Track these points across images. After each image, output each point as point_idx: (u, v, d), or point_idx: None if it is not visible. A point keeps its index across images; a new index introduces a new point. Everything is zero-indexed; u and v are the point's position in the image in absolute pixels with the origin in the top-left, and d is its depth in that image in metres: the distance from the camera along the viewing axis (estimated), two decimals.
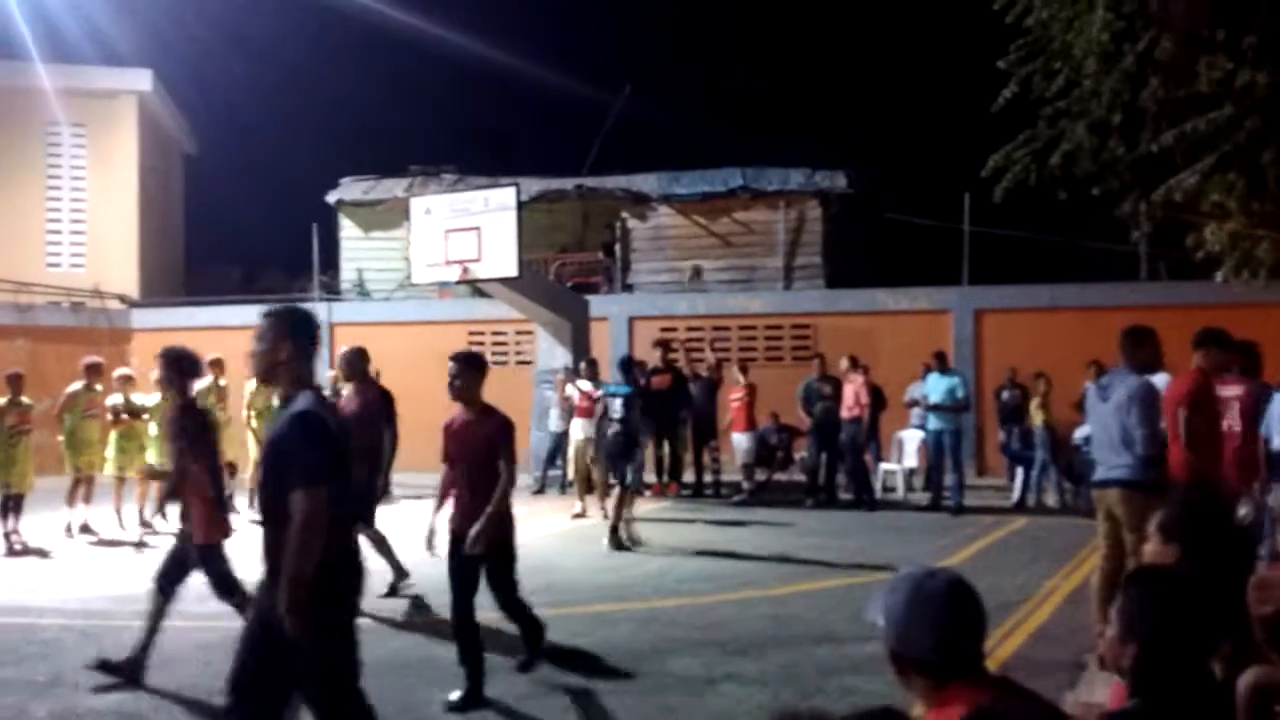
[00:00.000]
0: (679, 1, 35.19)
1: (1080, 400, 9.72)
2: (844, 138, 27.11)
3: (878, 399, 14.09)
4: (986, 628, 2.36)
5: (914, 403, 14.35)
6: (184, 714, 5.53)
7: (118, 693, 5.84)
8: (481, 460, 5.70)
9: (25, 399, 11.17)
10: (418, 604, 8.01)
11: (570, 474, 13.68)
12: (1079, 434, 12.05)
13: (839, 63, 31.49)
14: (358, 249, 21.55)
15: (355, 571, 3.79)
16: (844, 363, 13.91)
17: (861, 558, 9.92)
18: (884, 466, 14.95)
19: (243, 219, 28.70)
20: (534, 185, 19.98)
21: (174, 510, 6.33)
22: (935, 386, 13.14)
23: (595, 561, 9.88)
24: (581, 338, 15.80)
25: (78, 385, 11.60)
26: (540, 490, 15.31)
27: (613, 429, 11.02)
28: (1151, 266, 17.76)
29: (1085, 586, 7.64)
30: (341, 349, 8.72)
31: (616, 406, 11.03)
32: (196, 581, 7.21)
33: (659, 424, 15.10)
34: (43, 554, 10.51)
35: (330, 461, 3.62)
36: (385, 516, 8.89)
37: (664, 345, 16.26)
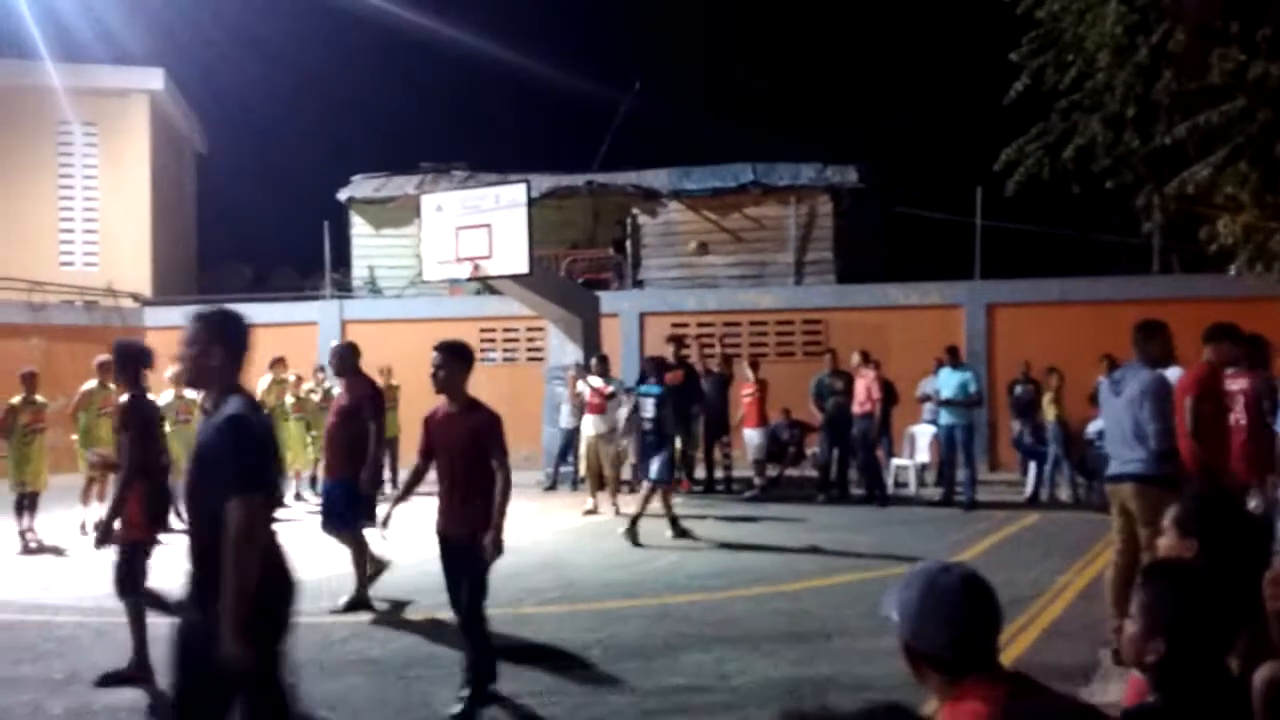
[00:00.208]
0: None
1: (1093, 394, 9.69)
2: (855, 132, 27.05)
3: (889, 394, 14.07)
4: (1001, 623, 2.36)
5: (926, 398, 14.33)
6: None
7: (133, 689, 5.87)
8: (464, 456, 5.42)
9: (39, 397, 11.23)
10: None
11: (582, 470, 13.68)
12: (1092, 428, 12.02)
13: (849, 57, 31.41)
14: (369, 246, 21.60)
15: (287, 581, 3.65)
16: (855, 358, 13.89)
17: (874, 553, 9.90)
18: (896, 462, 14.93)
19: (254, 217, 28.76)
20: (544, 182, 19.99)
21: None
22: (947, 381, 13.11)
23: (607, 558, 9.89)
24: (592, 334, 15.81)
25: (92, 383, 11.64)
26: (552, 487, 15.33)
27: (646, 428, 11.10)
28: (1164, 260, 17.69)
29: (1098, 582, 7.61)
30: (332, 344, 8.67)
31: (649, 406, 11.10)
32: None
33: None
34: (58, 552, 10.56)
35: (265, 467, 3.54)
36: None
37: (676, 341, 16.26)
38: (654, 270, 20.03)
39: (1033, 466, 13.89)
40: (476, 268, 14.33)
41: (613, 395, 13.36)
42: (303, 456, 14.39)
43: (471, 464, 5.38)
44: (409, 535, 11.39)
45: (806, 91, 33.14)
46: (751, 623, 7.24)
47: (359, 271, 21.56)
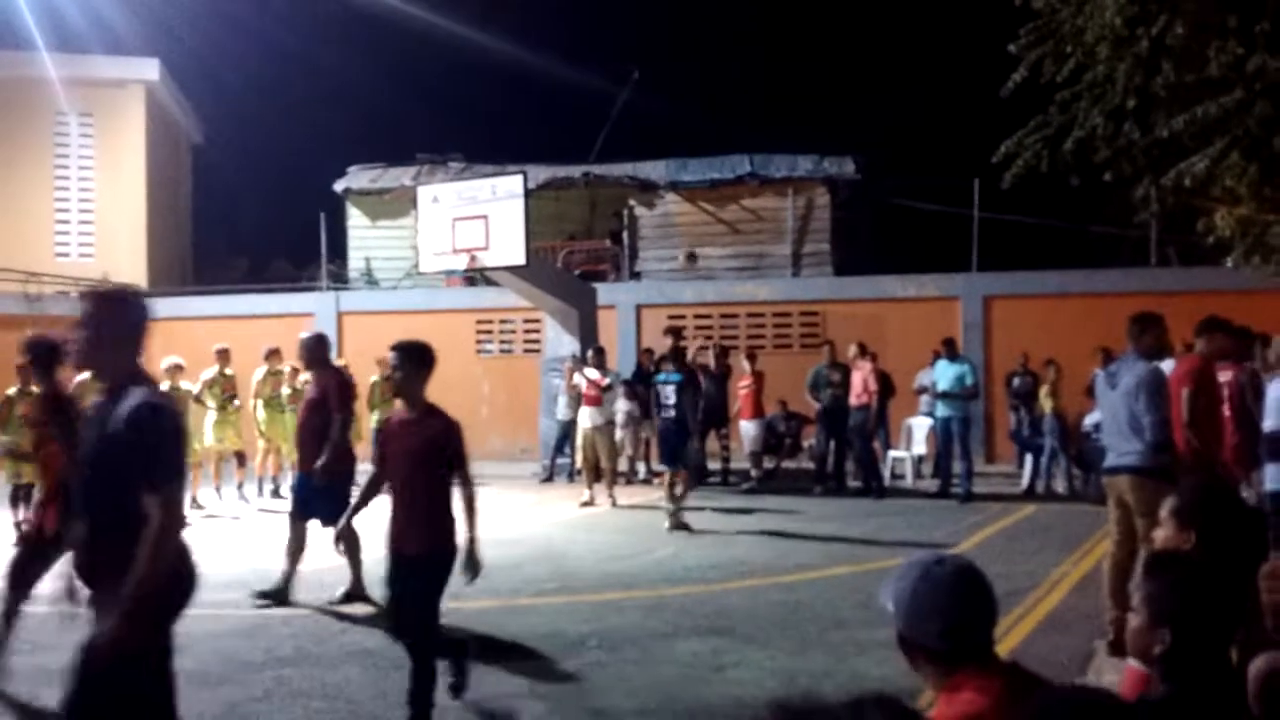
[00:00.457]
0: None
1: (1089, 387, 9.71)
2: (852, 124, 27.08)
3: (886, 386, 14.07)
4: (996, 615, 2.36)
5: (922, 390, 14.33)
6: (195, 699, 5.53)
7: None
8: (419, 466, 4.96)
9: (35, 388, 11.19)
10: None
11: (578, 462, 13.69)
12: (1088, 420, 12.03)
13: (847, 48, 31.38)
14: (365, 238, 21.58)
15: (189, 574, 3.45)
16: (852, 350, 13.90)
17: (870, 545, 9.92)
18: (892, 454, 14.94)
19: (250, 208, 28.77)
20: (541, 173, 19.97)
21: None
22: (944, 373, 13.11)
23: (603, 549, 9.90)
24: (589, 326, 15.80)
25: (85, 374, 11.60)
26: (549, 478, 15.34)
27: (665, 415, 11.30)
28: (1161, 252, 17.70)
29: (1094, 573, 7.64)
30: (301, 335, 8.46)
31: (669, 394, 11.26)
32: (206, 571, 7.24)
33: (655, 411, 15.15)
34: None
35: (182, 458, 3.38)
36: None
37: (674, 333, 16.25)
38: (651, 262, 20.02)
39: (1029, 459, 13.91)
40: (473, 259, 14.31)
41: (609, 387, 13.36)
42: None
43: (428, 474, 4.95)
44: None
45: (803, 83, 33.12)
46: (747, 614, 7.24)
47: (355, 263, 21.54)
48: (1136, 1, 14.53)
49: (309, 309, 19.58)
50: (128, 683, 3.19)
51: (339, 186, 21.58)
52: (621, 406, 14.56)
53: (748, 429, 14.50)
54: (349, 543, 7.75)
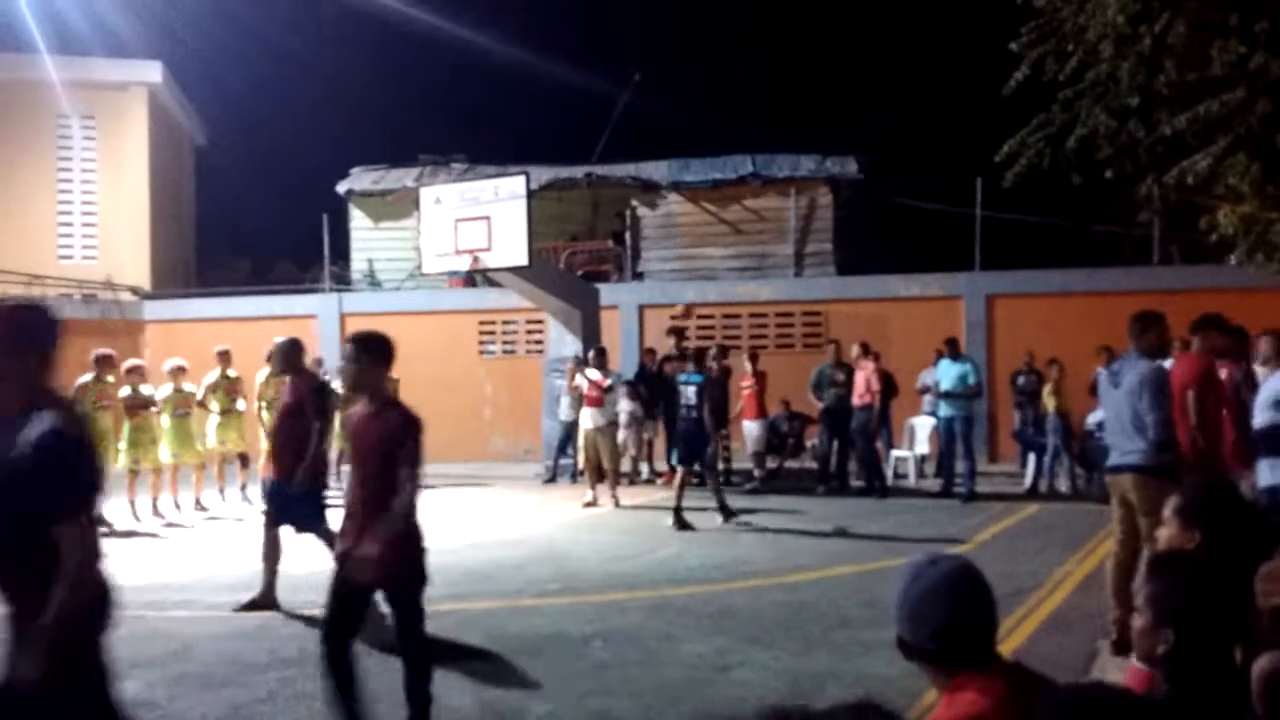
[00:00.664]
0: None
1: (1092, 386, 9.70)
2: (854, 123, 27.02)
3: (889, 386, 14.06)
4: (995, 615, 2.35)
5: (925, 389, 14.33)
6: (198, 701, 5.55)
7: (134, 682, 5.87)
8: (375, 464, 4.66)
9: None
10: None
11: (581, 463, 13.68)
12: (1091, 419, 12.02)
13: (849, 48, 31.35)
14: (368, 239, 21.59)
15: (108, 608, 3.34)
16: (855, 349, 13.89)
17: (873, 545, 9.91)
18: (895, 453, 14.94)
19: (253, 210, 28.74)
20: (544, 174, 19.97)
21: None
22: (946, 373, 13.10)
23: (606, 550, 9.89)
24: (592, 326, 15.80)
25: (87, 377, 11.64)
26: (552, 479, 15.35)
27: (686, 415, 11.45)
28: (1164, 251, 17.68)
29: (1098, 573, 7.63)
30: (275, 339, 8.31)
31: (690, 394, 11.41)
32: (210, 573, 7.27)
33: (673, 412, 15.12)
34: None
35: (98, 486, 3.23)
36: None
37: (677, 333, 16.25)
38: (653, 262, 20.02)
39: (1032, 458, 13.89)
40: (476, 260, 14.32)
41: (610, 389, 13.35)
42: None
43: (383, 474, 4.61)
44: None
45: (806, 83, 33.08)
46: (751, 614, 7.24)
47: (358, 264, 21.54)
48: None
49: (312, 311, 19.60)
50: (56, 714, 3.09)
51: (342, 188, 21.59)
52: (624, 407, 14.56)
53: (750, 429, 14.50)
54: (270, 549, 7.55)
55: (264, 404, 13.60)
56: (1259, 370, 6.95)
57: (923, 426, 14.96)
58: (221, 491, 13.21)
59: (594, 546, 10.08)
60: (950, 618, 2.27)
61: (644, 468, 15.49)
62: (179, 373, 12.61)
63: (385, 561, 4.52)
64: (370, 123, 32.78)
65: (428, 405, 17.93)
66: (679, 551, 9.73)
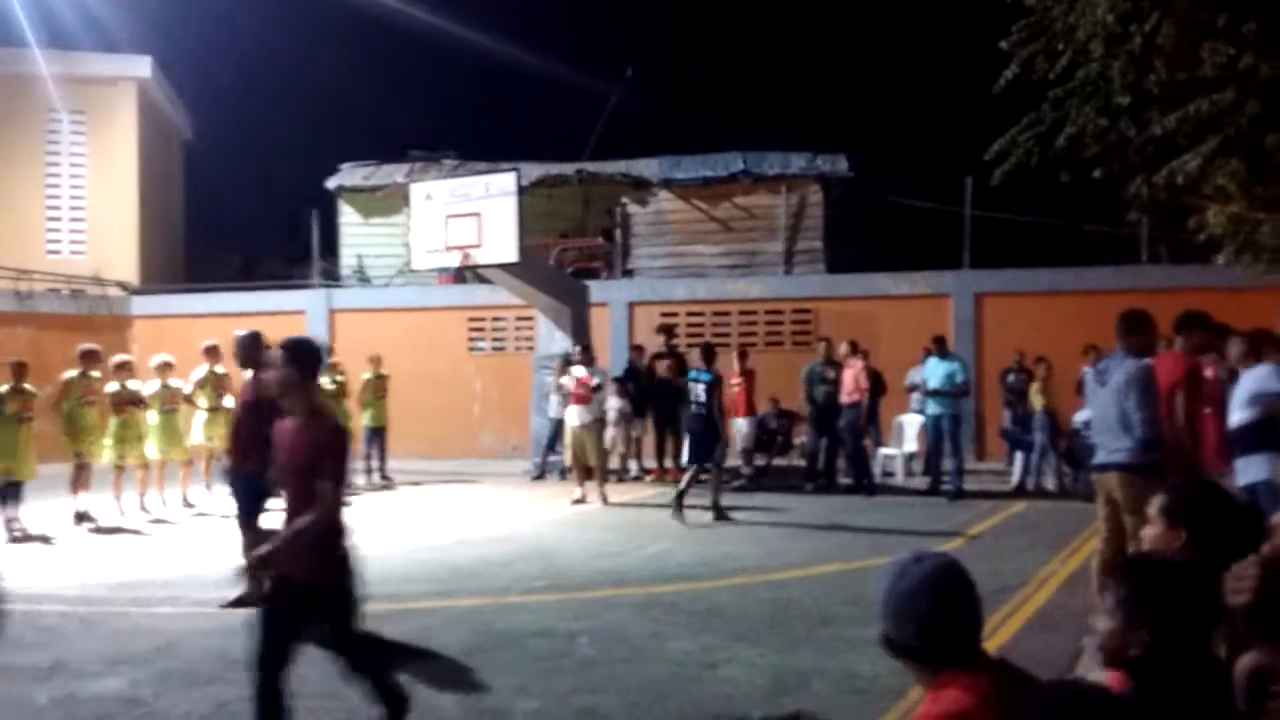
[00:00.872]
0: None
1: (1079, 384, 9.73)
2: (845, 121, 27.05)
3: (877, 384, 14.08)
4: (979, 612, 2.36)
5: (914, 387, 14.35)
6: (184, 698, 5.53)
7: (119, 679, 5.86)
8: (300, 477, 4.41)
9: (28, 386, 11.18)
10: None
11: (568, 460, 13.66)
12: (1078, 418, 12.05)
13: (840, 46, 31.39)
14: (358, 235, 21.54)
15: None
16: (843, 347, 13.90)
17: (860, 543, 9.93)
18: (883, 451, 14.95)
19: (242, 206, 28.70)
20: (534, 170, 19.95)
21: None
22: (934, 371, 13.12)
23: (594, 547, 9.89)
24: (582, 323, 15.79)
25: (73, 372, 11.59)
26: (540, 476, 15.34)
27: (694, 411, 11.64)
28: (1152, 250, 17.74)
29: (1083, 571, 7.66)
30: (235, 333, 8.07)
31: (700, 391, 11.58)
32: (196, 570, 7.25)
33: (662, 409, 15.13)
34: (45, 541, 10.52)
35: None
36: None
37: (666, 331, 16.25)
38: (643, 259, 20.01)
39: (1019, 456, 13.93)
40: (466, 256, 14.29)
41: (599, 388, 13.32)
42: None
43: (306, 486, 4.38)
44: (397, 524, 11.41)
45: (797, 81, 33.12)
46: (738, 612, 7.24)
47: (347, 260, 21.49)
48: None
49: (301, 306, 19.55)
50: None
51: (331, 183, 21.53)
52: (613, 404, 14.54)
53: (739, 426, 14.50)
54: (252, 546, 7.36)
55: None
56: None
57: (911, 424, 14.99)
58: (208, 487, 13.16)
59: (582, 543, 10.08)
60: (935, 615, 2.27)
61: (633, 465, 15.48)
62: (166, 368, 12.56)
63: (282, 561, 4.29)
64: (360, 118, 32.76)
65: (417, 401, 18.05)
66: (667, 549, 9.73)
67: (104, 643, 6.57)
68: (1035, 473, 13.69)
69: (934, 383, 13.05)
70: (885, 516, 11.54)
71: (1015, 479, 13.80)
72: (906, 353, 15.15)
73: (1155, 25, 14.32)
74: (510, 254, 13.97)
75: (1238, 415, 6.60)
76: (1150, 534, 2.96)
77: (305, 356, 4.57)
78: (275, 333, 16.99)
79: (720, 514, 11.36)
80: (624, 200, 20.24)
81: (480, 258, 14.26)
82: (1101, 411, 6.44)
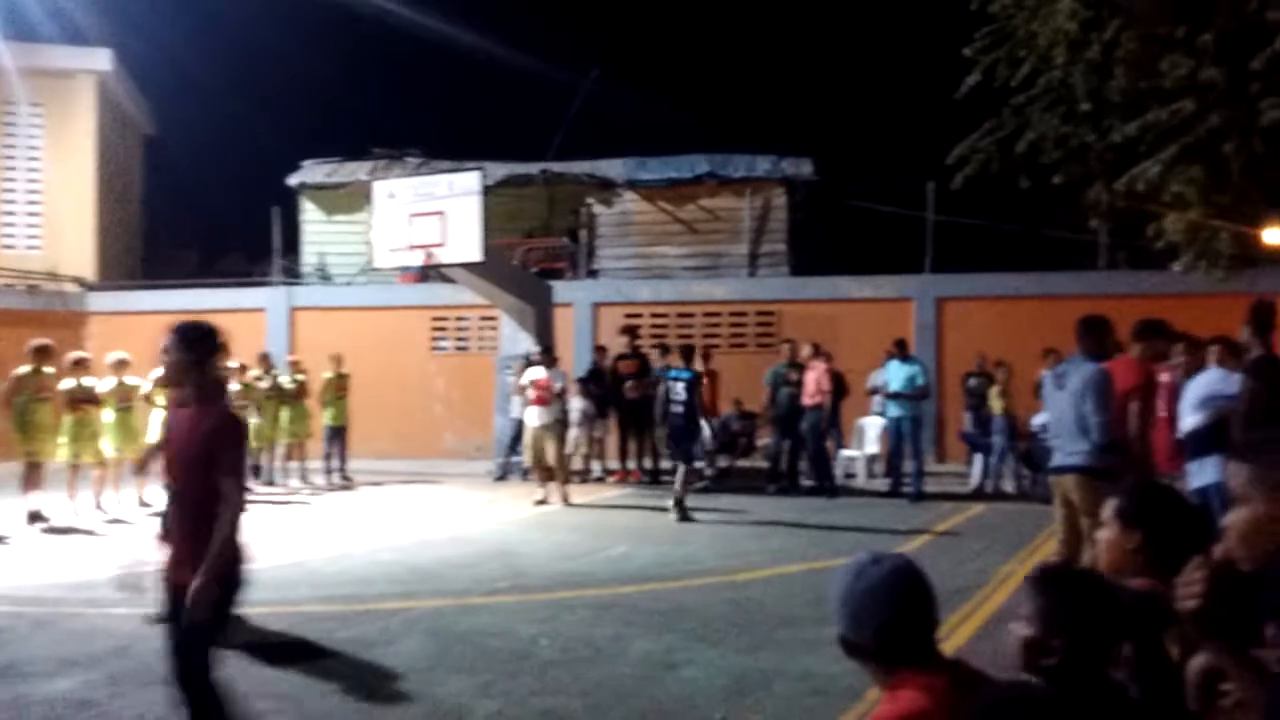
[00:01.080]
0: None
1: (1037, 387, 9.83)
2: (809, 125, 27.17)
3: (839, 386, 14.15)
4: (935, 613, 2.38)
5: (875, 390, 14.44)
6: (138, 699, 5.46)
7: (72, 680, 5.77)
8: (190, 472, 4.07)
9: None
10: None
11: (528, 461, 13.59)
12: (1036, 421, 12.18)
13: (806, 50, 31.54)
14: (319, 233, 21.35)
15: None
16: (806, 350, 13.97)
17: (821, 544, 9.98)
18: (845, 453, 15.03)
19: (203, 202, 28.34)
20: (499, 170, 19.88)
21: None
22: (895, 374, 13.22)
23: (556, 548, 9.87)
24: (546, 323, 15.75)
25: (25, 369, 11.39)
26: (503, 477, 15.28)
27: (675, 410, 11.76)
28: (1111, 256, 17.97)
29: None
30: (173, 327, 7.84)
31: (679, 390, 11.72)
32: (152, 570, 7.14)
33: (626, 410, 15.11)
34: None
35: None
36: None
37: (630, 332, 16.24)
38: (608, 260, 20.00)
39: (978, 458, 14.05)
40: (429, 256, 14.21)
41: (562, 392, 13.25)
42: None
43: (200, 485, 4.02)
44: (357, 524, 11.33)
45: (761, 84, 33.24)
46: (700, 613, 7.25)
47: (309, 258, 21.30)
48: (1091, 6, 14.79)
49: (261, 304, 19.36)
50: None
51: (293, 180, 21.34)
52: (576, 405, 14.53)
53: (701, 427, 14.49)
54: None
55: None
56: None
57: (872, 427, 15.08)
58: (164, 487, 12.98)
59: (544, 545, 10.05)
60: (892, 616, 2.29)
61: (596, 466, 15.47)
62: (121, 366, 12.39)
63: (213, 592, 3.91)
64: (323, 115, 32.49)
65: (378, 401, 17.91)
66: (629, 550, 9.73)
67: (57, 644, 6.47)
68: (994, 475, 13.82)
69: (895, 386, 13.14)
70: (847, 517, 11.61)
71: (974, 481, 13.92)
72: (868, 356, 15.24)
73: (1115, 33, 14.53)
74: (474, 253, 13.91)
75: (1189, 419, 6.70)
76: (1105, 537, 2.98)
77: (199, 341, 4.26)
78: (236, 331, 16.82)
79: (684, 514, 11.38)
80: (589, 201, 20.22)
81: (444, 257, 14.18)
82: (1059, 415, 6.52)
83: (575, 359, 16.99)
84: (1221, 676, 2.33)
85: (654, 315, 18.33)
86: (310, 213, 21.41)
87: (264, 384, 14.40)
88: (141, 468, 10.13)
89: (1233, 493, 2.00)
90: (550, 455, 12.79)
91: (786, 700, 5.42)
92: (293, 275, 20.94)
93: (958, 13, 16.01)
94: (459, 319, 18.92)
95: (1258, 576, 1.91)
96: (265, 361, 14.77)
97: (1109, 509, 2.99)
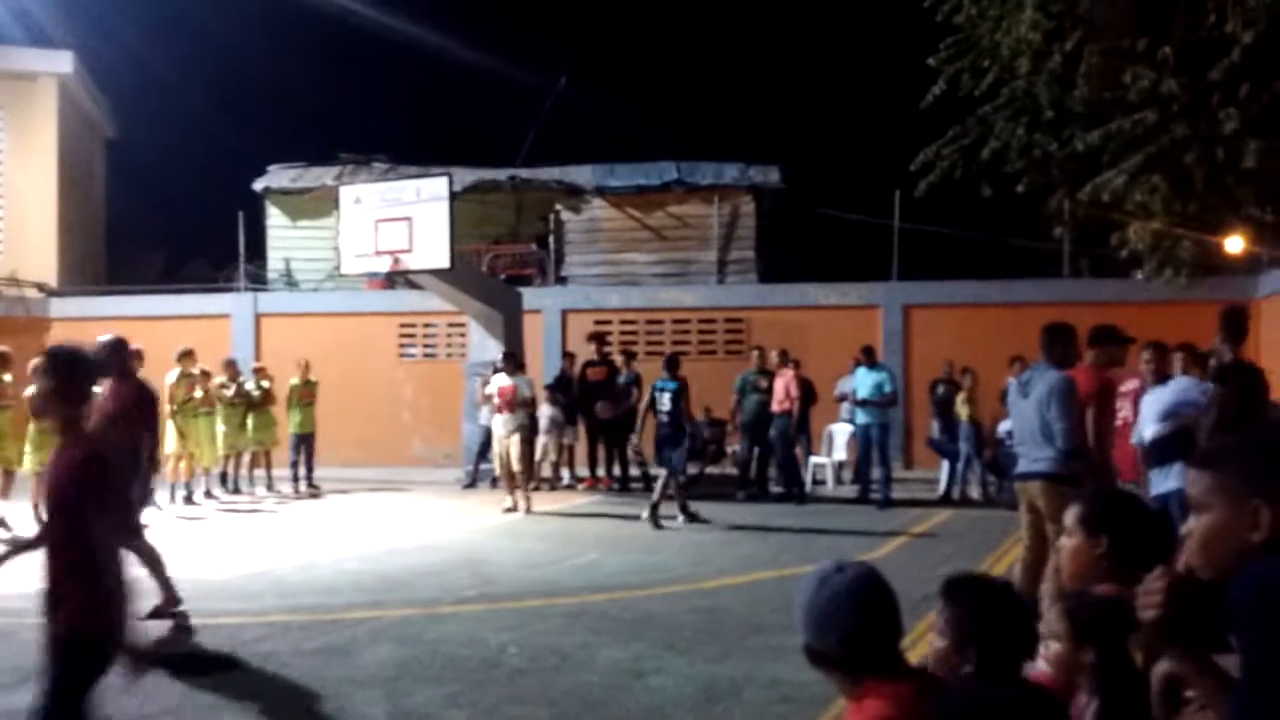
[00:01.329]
0: None
1: (1003, 394, 9.92)
2: (776, 133, 27.31)
3: (808, 393, 14.21)
4: (900, 621, 2.39)
5: (843, 397, 14.52)
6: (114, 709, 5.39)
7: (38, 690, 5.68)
8: (57, 510, 3.63)
9: None
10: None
11: (498, 469, 13.52)
12: (1002, 428, 12.28)
13: (774, 59, 31.69)
14: (285, 238, 21.20)
15: None
16: (774, 356, 14.02)
17: (790, 551, 10.01)
18: (814, 460, 15.09)
19: (167, 206, 28.10)
20: (467, 175, 19.82)
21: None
22: (863, 381, 13.29)
23: (525, 556, 9.84)
24: (514, 330, 15.71)
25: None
26: (472, 484, 15.22)
27: (661, 420, 11.99)
28: (1074, 264, 18.19)
29: (1007, 578, 7.78)
30: (98, 338, 7.47)
31: (665, 400, 11.94)
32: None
33: (594, 417, 15.08)
34: None
35: None
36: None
37: (598, 338, 16.23)
38: (577, 267, 19.99)
39: (945, 465, 14.15)
40: (396, 262, 14.13)
41: (527, 402, 13.18)
42: (211, 453, 14.03)
43: (66, 524, 3.58)
44: (324, 533, 11.25)
45: (729, 91, 33.39)
46: (669, 620, 7.25)
47: (275, 264, 21.13)
48: (1053, 17, 14.98)
49: (226, 310, 19.19)
50: None
51: (258, 185, 21.17)
52: (545, 412, 14.51)
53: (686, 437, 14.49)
54: (149, 559, 6.95)
55: (174, 406, 13.27)
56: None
57: (840, 433, 15.16)
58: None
59: (513, 553, 10.02)
60: (856, 623, 2.30)
61: (565, 473, 15.43)
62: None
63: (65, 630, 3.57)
64: (289, 119, 32.27)
65: (346, 408, 17.74)
66: (597, 558, 9.72)
67: (22, 654, 6.37)
68: (961, 481, 13.92)
69: (862, 393, 13.22)
70: (816, 524, 11.66)
71: (941, 488, 14.02)
72: (836, 363, 15.32)
73: (1077, 44, 14.71)
74: (442, 260, 13.85)
75: (1155, 427, 6.78)
76: (1069, 545, 2.99)
77: (68, 369, 3.78)
78: (201, 337, 16.69)
79: (656, 520, 11.41)
80: (558, 207, 20.21)
81: (411, 263, 14.11)
82: (1024, 422, 6.59)
83: (544, 366, 16.96)
84: (1185, 683, 2.36)
85: (623, 322, 18.34)
86: (276, 218, 21.25)
87: (229, 391, 14.26)
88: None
89: (1192, 501, 2.03)
90: (514, 462, 12.72)
91: (755, 708, 5.43)
92: (258, 281, 20.77)
93: (923, 23, 16.16)
94: (427, 325, 18.84)
95: (1218, 585, 1.94)
96: (231, 368, 14.63)
97: (1071, 516, 3.02)
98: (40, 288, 20.17)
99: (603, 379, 15.24)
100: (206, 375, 13.98)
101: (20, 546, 3.97)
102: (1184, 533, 2.07)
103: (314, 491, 14.74)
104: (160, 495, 13.10)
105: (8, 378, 11.47)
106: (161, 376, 13.41)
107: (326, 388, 15.72)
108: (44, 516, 3.82)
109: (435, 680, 5.88)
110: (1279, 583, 1.82)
